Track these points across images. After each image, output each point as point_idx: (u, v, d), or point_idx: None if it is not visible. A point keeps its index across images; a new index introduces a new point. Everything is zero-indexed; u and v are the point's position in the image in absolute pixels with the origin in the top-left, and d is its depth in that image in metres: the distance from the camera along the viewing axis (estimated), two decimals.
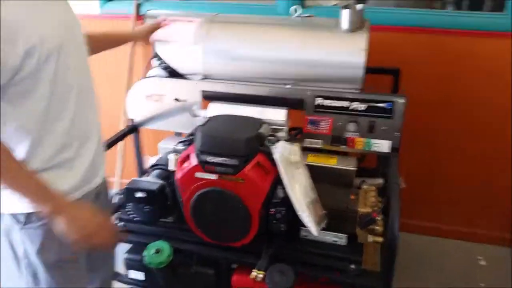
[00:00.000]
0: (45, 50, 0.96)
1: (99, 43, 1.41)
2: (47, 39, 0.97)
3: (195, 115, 1.64)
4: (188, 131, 1.65)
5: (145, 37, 1.65)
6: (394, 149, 1.54)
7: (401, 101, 1.47)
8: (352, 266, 1.45)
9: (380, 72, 1.88)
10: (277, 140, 1.40)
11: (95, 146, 1.19)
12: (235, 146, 1.36)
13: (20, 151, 1.03)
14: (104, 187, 1.29)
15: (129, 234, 1.66)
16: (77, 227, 1.03)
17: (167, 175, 1.63)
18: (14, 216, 1.09)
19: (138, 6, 2.23)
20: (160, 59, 1.74)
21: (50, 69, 0.99)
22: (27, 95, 0.98)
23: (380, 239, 1.42)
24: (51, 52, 0.98)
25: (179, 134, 2.05)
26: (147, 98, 1.71)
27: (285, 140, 1.43)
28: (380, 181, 1.68)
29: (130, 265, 1.71)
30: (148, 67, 1.79)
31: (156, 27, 1.64)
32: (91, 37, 1.23)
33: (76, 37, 1.13)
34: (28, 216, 1.08)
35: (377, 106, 1.49)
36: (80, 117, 1.12)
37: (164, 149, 1.79)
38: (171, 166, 1.55)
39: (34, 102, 1.00)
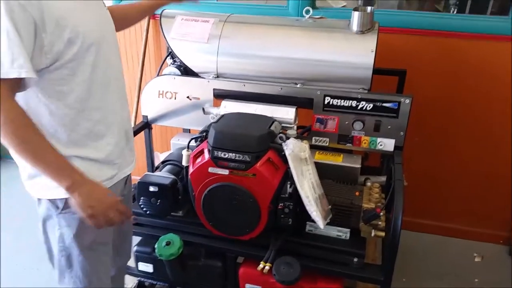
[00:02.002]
0: (87, 40, 1.06)
1: (130, 14, 1.55)
2: (89, 31, 1.07)
3: (207, 113, 1.69)
4: (199, 128, 1.70)
5: None
6: (398, 147, 1.60)
7: (407, 101, 1.52)
8: (355, 260, 1.50)
9: (387, 73, 1.94)
10: (288, 138, 1.46)
11: (121, 139, 1.27)
12: (247, 142, 1.41)
13: (53, 134, 1.09)
14: (129, 178, 1.38)
15: (140, 227, 1.71)
16: (90, 205, 1.07)
17: (178, 171, 1.69)
18: (53, 201, 1.15)
19: None
20: (174, 57, 1.79)
21: (90, 58, 1.08)
22: (67, 80, 1.06)
23: (382, 233, 1.48)
24: (92, 43, 1.08)
25: (187, 131, 2.10)
26: (160, 96, 1.76)
27: (295, 138, 1.49)
28: (383, 178, 1.74)
29: (140, 257, 1.75)
30: (163, 65, 1.84)
31: None
32: (118, 9, 1.38)
33: (112, 34, 1.23)
34: (66, 201, 1.13)
35: (383, 106, 1.55)
36: (112, 108, 1.20)
37: (175, 145, 1.84)
38: (184, 162, 1.60)
39: (73, 87, 1.08)
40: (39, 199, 1.17)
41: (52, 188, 1.09)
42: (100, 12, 1.19)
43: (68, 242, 1.18)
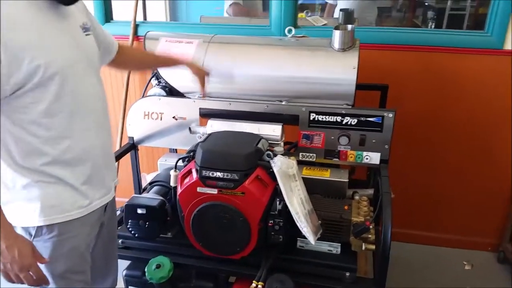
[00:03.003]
0: (49, 70, 1.02)
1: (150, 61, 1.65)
2: (52, 61, 1.03)
3: (193, 132, 1.70)
4: (186, 147, 1.70)
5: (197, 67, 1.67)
6: (383, 160, 1.62)
7: (390, 115, 1.55)
8: (347, 274, 1.50)
9: (370, 88, 1.98)
10: (275, 155, 1.47)
11: (97, 167, 1.23)
12: (235, 161, 1.41)
13: (23, 160, 1.08)
14: (112, 202, 1.35)
15: (129, 250, 1.69)
16: (2, 261, 1.04)
17: (166, 191, 1.68)
18: (25, 229, 1.13)
19: (136, 27, 2.31)
20: (159, 78, 1.80)
21: (53, 88, 1.05)
22: (29, 109, 1.04)
23: (373, 246, 1.49)
24: (56, 72, 1.04)
25: (174, 151, 2.10)
26: (146, 117, 1.76)
27: (282, 154, 1.50)
28: (371, 191, 1.76)
29: (130, 281, 1.72)
30: (148, 86, 1.84)
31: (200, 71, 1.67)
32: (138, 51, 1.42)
33: (87, 60, 1.18)
34: (38, 229, 1.13)
35: (367, 121, 1.58)
36: (82, 137, 1.16)
37: (163, 166, 1.83)
38: (172, 182, 1.59)
39: (35, 115, 1.05)
40: (14, 226, 1.14)
41: (24, 216, 1.10)
42: (72, 39, 1.13)
43: (42, 268, 1.15)
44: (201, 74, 1.65)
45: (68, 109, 1.10)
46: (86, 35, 1.20)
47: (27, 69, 0.98)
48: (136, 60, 1.60)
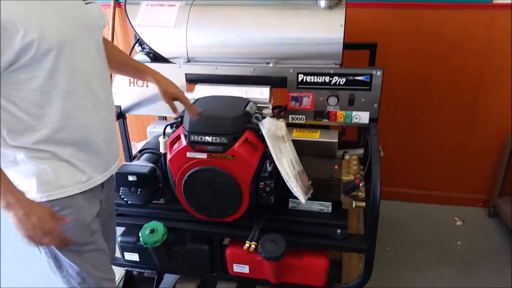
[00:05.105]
0: (43, 45, 0.97)
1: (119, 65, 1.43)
2: (47, 36, 0.97)
3: None
4: (172, 114, 1.68)
5: (169, 91, 1.44)
6: (372, 119, 1.62)
7: (378, 73, 1.54)
8: (338, 231, 1.53)
9: (358, 47, 1.95)
10: (264, 117, 1.46)
11: (97, 145, 1.18)
12: (223, 124, 1.41)
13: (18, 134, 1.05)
14: (109, 179, 1.30)
15: (122, 217, 1.70)
16: (24, 228, 1.03)
17: (156, 158, 1.68)
18: None
19: None
20: (142, 44, 1.76)
21: (47, 64, 1.00)
22: (22, 85, 1.00)
23: (363, 204, 1.51)
24: (50, 48, 0.99)
25: (163, 118, 2.08)
26: (132, 84, 1.74)
27: (271, 117, 1.49)
28: (361, 151, 1.77)
29: (125, 247, 1.76)
30: (131, 53, 1.81)
31: (178, 96, 1.44)
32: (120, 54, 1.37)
33: (87, 34, 1.11)
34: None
35: (356, 80, 1.56)
36: (79, 115, 1.11)
37: (152, 133, 1.82)
38: (162, 149, 1.59)
39: (28, 92, 1.01)
40: None
41: (25, 188, 1.06)
42: (69, 11, 1.06)
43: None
44: (176, 95, 1.44)
45: (63, 86, 1.05)
46: (87, 3, 1.13)
47: (19, 45, 0.94)
48: (119, 64, 1.43)
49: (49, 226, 1.05)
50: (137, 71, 1.47)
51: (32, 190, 1.09)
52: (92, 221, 1.22)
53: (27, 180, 1.09)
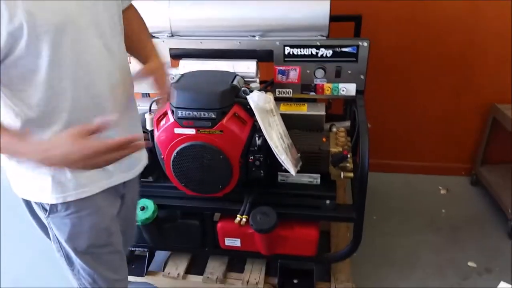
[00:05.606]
0: (37, 29, 0.82)
1: None
2: (40, 17, 0.82)
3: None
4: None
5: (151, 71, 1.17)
6: (359, 91, 1.63)
7: (365, 44, 1.54)
8: (328, 202, 1.56)
9: (343, 19, 1.94)
10: (252, 91, 1.45)
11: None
12: (211, 99, 1.39)
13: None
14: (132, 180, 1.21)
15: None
16: (74, 165, 0.87)
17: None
18: (39, 204, 1.04)
19: None
20: None
21: (45, 52, 0.85)
22: (25, 80, 0.88)
23: (351, 174, 1.54)
24: (46, 31, 0.84)
25: (146, 95, 2.05)
26: None
27: (259, 90, 1.48)
28: (348, 123, 1.79)
29: None
30: None
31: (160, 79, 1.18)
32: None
33: (96, 11, 0.94)
34: (52, 206, 1.02)
35: (342, 51, 1.56)
36: (92, 107, 0.96)
37: None
38: (148, 126, 1.57)
39: (33, 87, 0.89)
40: (25, 200, 1.06)
41: (37, 191, 1.00)
42: None
43: (63, 244, 1.08)
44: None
45: (70, 75, 0.90)
46: None
47: (6, 30, 0.79)
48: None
49: (87, 149, 0.84)
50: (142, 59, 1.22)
51: (47, 189, 0.99)
52: (111, 222, 1.13)
53: (42, 179, 0.99)
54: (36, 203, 1.04)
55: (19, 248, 2.16)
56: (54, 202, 1.00)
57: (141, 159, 1.21)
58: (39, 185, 0.99)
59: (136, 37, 1.18)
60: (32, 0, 0.81)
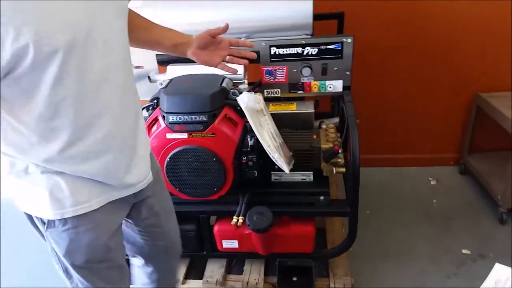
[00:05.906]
0: (44, 48, 0.77)
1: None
2: (46, 35, 0.77)
3: (153, 81, 1.66)
4: (147, 98, 1.66)
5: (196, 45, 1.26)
6: (346, 87, 1.66)
7: (349, 40, 1.57)
8: (321, 198, 1.58)
9: (326, 18, 1.97)
10: (241, 92, 1.47)
11: (116, 156, 0.99)
12: (202, 102, 1.41)
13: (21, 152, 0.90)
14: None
15: None
16: None
17: None
18: (38, 218, 1.02)
19: None
20: None
21: (52, 70, 0.80)
22: (28, 97, 0.83)
23: (343, 169, 1.56)
24: (55, 50, 0.78)
25: None
26: None
27: (248, 91, 1.50)
28: (336, 120, 1.82)
29: None
30: None
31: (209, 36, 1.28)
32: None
33: (106, 25, 0.89)
34: (50, 221, 1.00)
35: (327, 48, 1.59)
36: (96, 123, 0.93)
37: None
38: None
39: (32, 105, 0.84)
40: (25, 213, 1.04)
41: (36, 206, 0.98)
42: (77, 9, 0.81)
43: (61, 258, 1.05)
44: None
45: (73, 92, 0.85)
46: None
47: (11, 50, 0.74)
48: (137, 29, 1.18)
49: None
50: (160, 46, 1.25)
51: (45, 205, 0.96)
52: (111, 238, 1.08)
53: (40, 194, 0.96)
54: (36, 217, 1.03)
55: (19, 252, 2.14)
56: (51, 218, 0.99)
57: (146, 175, 1.14)
58: (37, 200, 0.98)
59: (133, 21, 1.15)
60: (40, 16, 0.76)
